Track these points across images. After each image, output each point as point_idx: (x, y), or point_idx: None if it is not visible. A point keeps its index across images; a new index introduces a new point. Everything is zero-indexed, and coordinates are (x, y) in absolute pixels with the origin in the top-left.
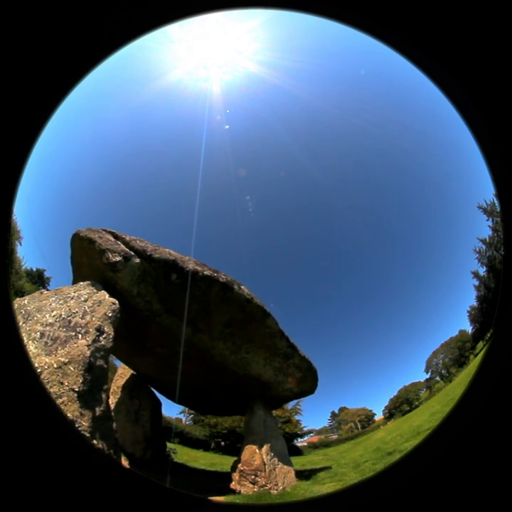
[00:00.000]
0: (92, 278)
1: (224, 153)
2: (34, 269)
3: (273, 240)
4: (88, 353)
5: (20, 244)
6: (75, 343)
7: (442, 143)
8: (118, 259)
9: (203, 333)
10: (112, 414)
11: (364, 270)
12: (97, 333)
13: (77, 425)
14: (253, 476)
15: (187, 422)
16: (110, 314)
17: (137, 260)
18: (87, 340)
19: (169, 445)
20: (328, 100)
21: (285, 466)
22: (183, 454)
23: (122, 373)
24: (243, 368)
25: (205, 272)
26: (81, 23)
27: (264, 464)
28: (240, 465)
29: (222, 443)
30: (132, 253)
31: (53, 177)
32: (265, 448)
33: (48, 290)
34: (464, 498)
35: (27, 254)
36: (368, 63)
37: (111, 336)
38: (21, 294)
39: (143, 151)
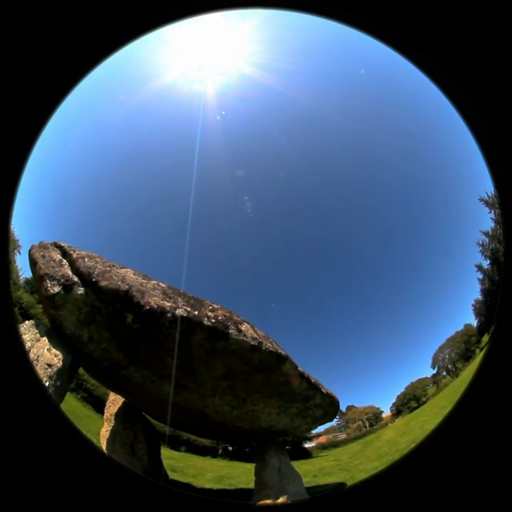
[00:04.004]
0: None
1: (219, 155)
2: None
3: (273, 239)
4: None
5: (20, 253)
6: None
7: (442, 142)
8: (56, 290)
9: (189, 391)
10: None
11: (368, 267)
12: None
13: None
14: None
15: None
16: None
17: (81, 290)
18: None
19: (174, 454)
20: (327, 101)
21: None
22: (189, 467)
23: (114, 400)
24: (250, 422)
25: (177, 312)
26: (81, 23)
27: None
28: None
29: (230, 448)
30: (76, 279)
31: (50, 181)
32: (281, 500)
33: None
34: (464, 498)
35: (25, 264)
36: (367, 64)
37: None
38: (19, 304)
39: (137, 154)
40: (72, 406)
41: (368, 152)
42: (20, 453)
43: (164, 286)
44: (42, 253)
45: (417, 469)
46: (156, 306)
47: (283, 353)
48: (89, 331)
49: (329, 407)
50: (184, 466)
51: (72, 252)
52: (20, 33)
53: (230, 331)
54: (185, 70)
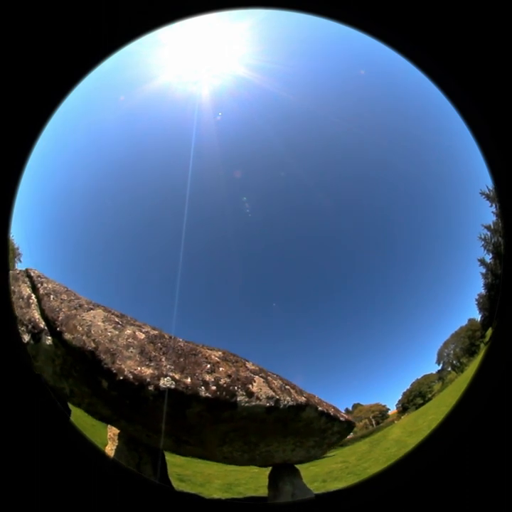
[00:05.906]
0: None
1: (215, 157)
2: None
3: (272, 239)
4: None
5: (20, 261)
6: None
7: (442, 141)
8: (26, 338)
9: (191, 445)
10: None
11: (370, 265)
12: None
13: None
14: None
15: None
16: None
17: (49, 340)
18: None
19: (181, 459)
20: (326, 102)
21: None
22: (197, 474)
23: None
24: (263, 461)
25: (161, 383)
26: (81, 25)
27: None
28: None
29: None
30: (42, 325)
31: (48, 182)
32: None
33: None
34: (464, 498)
35: None
36: (367, 64)
37: None
38: None
39: (134, 159)
40: (76, 416)
41: (368, 151)
42: (33, 465)
43: (142, 337)
44: (13, 287)
45: (419, 468)
46: (132, 377)
47: (303, 400)
48: (69, 384)
49: (345, 430)
50: (191, 474)
51: (39, 285)
52: (20, 35)
53: (239, 399)
54: (181, 72)
